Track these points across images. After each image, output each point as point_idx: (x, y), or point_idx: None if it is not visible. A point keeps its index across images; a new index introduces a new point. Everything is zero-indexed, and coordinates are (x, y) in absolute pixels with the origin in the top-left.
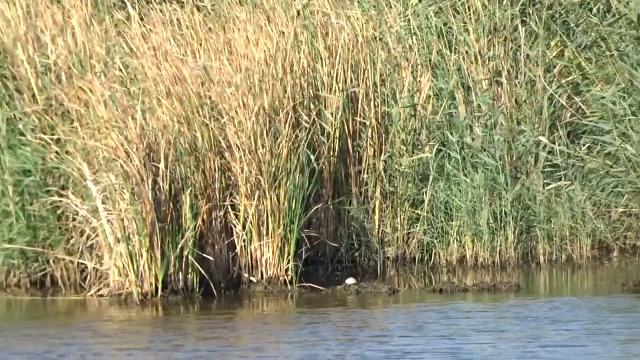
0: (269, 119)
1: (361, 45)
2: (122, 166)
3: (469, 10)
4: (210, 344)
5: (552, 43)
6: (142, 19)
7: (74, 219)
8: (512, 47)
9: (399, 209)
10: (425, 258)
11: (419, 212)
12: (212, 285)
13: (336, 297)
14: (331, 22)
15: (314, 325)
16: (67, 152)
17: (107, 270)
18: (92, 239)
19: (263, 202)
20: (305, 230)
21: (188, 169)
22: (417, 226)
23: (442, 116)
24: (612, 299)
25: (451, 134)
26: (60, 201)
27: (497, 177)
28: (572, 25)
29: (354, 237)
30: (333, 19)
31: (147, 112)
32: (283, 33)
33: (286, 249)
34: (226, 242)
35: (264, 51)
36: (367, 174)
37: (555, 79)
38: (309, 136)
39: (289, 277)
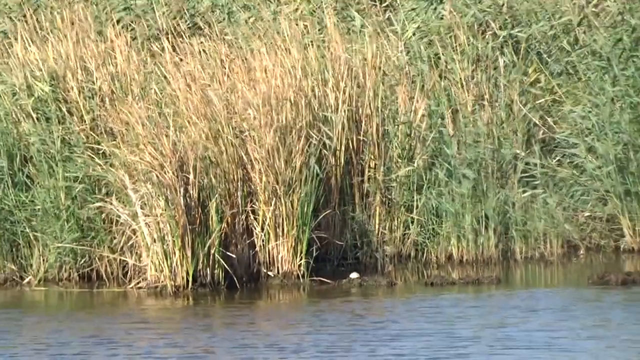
0: (284, 136)
1: (364, 74)
2: (157, 177)
3: (456, 42)
4: (233, 329)
5: (530, 70)
6: (174, 50)
7: (116, 222)
8: (493, 75)
9: (395, 213)
10: (419, 256)
11: (413, 216)
12: (235, 279)
13: (342, 289)
14: (338, 54)
15: (322, 312)
16: (110, 165)
17: (144, 266)
18: (132, 239)
19: (279, 208)
20: (315, 231)
21: (214, 179)
22: (411, 228)
23: (434, 133)
24: (579, 290)
25: (441, 149)
26: (105, 207)
27: (481, 186)
28: (545, 56)
29: (357, 238)
30: (340, 52)
31: (179, 130)
32: (295, 65)
33: (299, 248)
34: (247, 242)
35: (279, 78)
36: (368, 183)
37: (530, 102)
38: (318, 151)
39: (301, 272)
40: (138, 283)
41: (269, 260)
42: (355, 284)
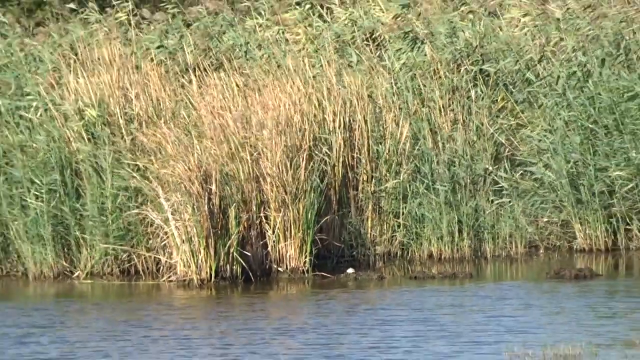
0: (291, 154)
1: (357, 101)
2: (185, 188)
3: (435, 76)
4: (248, 315)
5: (498, 98)
6: (200, 81)
7: (151, 226)
8: (466, 103)
9: (384, 219)
10: (404, 254)
11: (399, 221)
12: (250, 273)
13: (340, 282)
14: (335, 86)
15: (323, 301)
16: (146, 178)
17: (175, 262)
18: (164, 240)
19: (287, 214)
20: (318, 234)
21: (233, 190)
22: (398, 231)
23: (416, 152)
24: (539, 283)
25: (422, 165)
26: (142, 213)
27: (456, 196)
28: (511, 87)
29: (353, 239)
30: (336, 84)
31: (203, 149)
32: (300, 95)
33: (304, 248)
34: (260, 242)
35: (287, 106)
36: (362, 194)
37: (498, 125)
38: (320, 167)
39: (306, 268)
40: (169, 277)
41: (279, 258)
42: (351, 278)
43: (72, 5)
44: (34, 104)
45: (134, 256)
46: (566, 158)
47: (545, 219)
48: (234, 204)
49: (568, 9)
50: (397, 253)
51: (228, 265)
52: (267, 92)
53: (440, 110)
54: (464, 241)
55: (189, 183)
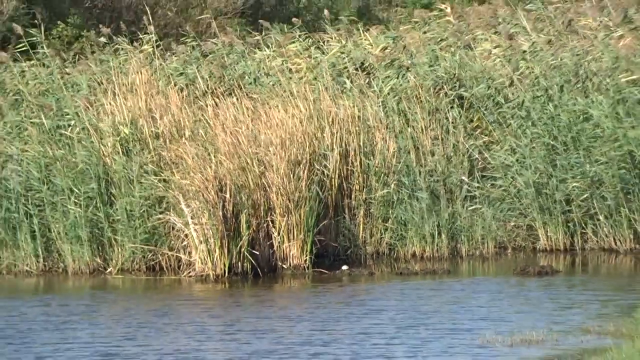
0: (293, 167)
1: (351, 122)
2: (203, 196)
3: (418, 99)
4: (257, 304)
5: (473, 119)
6: (216, 105)
7: (173, 228)
8: (445, 123)
9: (374, 223)
10: (391, 253)
11: (387, 224)
12: (258, 269)
13: (335, 277)
14: (331, 108)
15: (322, 294)
16: (169, 187)
17: (193, 260)
18: (184, 241)
19: (290, 219)
20: (317, 236)
21: (244, 198)
22: (385, 234)
23: (402, 165)
24: (507, 278)
25: (407, 176)
26: (165, 217)
27: (436, 203)
28: (483, 109)
29: (347, 240)
30: (332, 107)
31: (218, 162)
32: (302, 117)
33: (305, 248)
34: (267, 243)
35: (290, 125)
36: (355, 201)
37: (472, 142)
38: (319, 178)
39: (307, 265)
40: (189, 273)
41: (283, 257)
42: (345, 274)
43: (104, 39)
44: (72, 122)
45: (159, 255)
46: (530, 171)
47: (512, 223)
48: (245, 210)
49: (533, 42)
50: (385, 252)
51: (239, 263)
52: (273, 114)
53: (422, 130)
54: (442, 242)
55: (206, 192)
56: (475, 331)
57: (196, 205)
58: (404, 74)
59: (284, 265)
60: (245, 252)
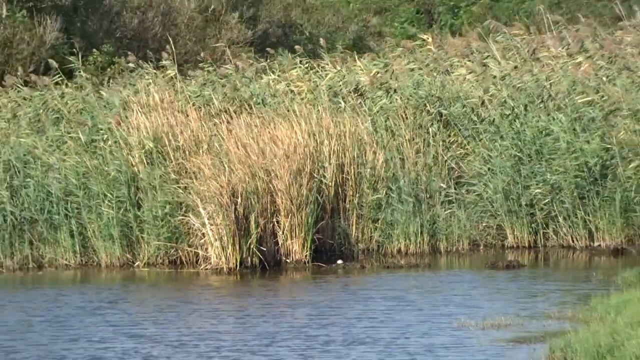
0: (296, 175)
1: (345, 137)
2: (218, 200)
3: (403, 116)
4: (265, 293)
5: (451, 134)
6: (229, 122)
7: (192, 228)
8: (426, 137)
9: (366, 224)
10: (380, 249)
11: (377, 225)
12: (265, 263)
13: (332, 270)
14: (329, 125)
15: (320, 284)
16: (189, 193)
17: (209, 255)
18: (202, 239)
19: (293, 219)
20: (316, 234)
21: (253, 202)
22: (375, 232)
23: (389, 174)
24: (480, 271)
25: (394, 183)
26: (185, 218)
27: (418, 207)
28: (460, 125)
29: (342, 238)
30: (329, 124)
31: (231, 171)
32: (303, 133)
33: (305, 245)
34: (273, 240)
35: (293, 140)
36: (349, 205)
37: (450, 154)
38: (318, 185)
39: (307, 259)
40: (205, 266)
41: (287, 252)
42: (340, 267)
43: (133, 65)
44: (105, 137)
45: (179, 250)
46: (499, 179)
47: (484, 224)
48: (254, 212)
49: (502, 69)
50: (374, 248)
51: (249, 257)
52: (278, 130)
53: (406, 143)
54: (424, 240)
55: (220, 197)
56: (452, 316)
57: (212, 208)
58: (392, 95)
59: (288, 260)
60: (254, 248)
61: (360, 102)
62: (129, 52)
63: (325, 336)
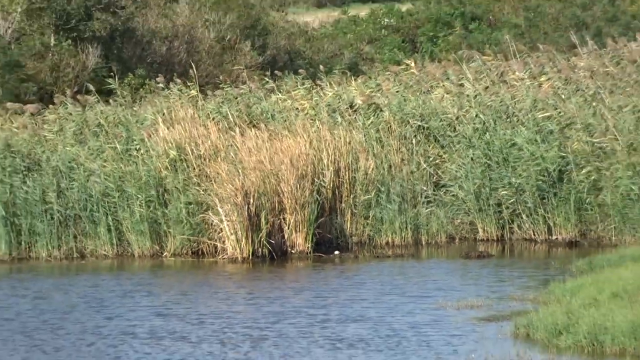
0: (300, 179)
1: (341, 147)
2: (233, 200)
3: (391, 130)
4: (273, 278)
5: (430, 146)
6: (242, 134)
7: (211, 224)
8: (410, 147)
9: (359, 220)
10: (371, 242)
11: (368, 221)
12: (274, 254)
13: (330, 260)
14: (327, 136)
15: (320, 271)
16: (208, 194)
17: (226, 247)
18: (219, 233)
19: (297, 216)
20: (316, 229)
21: (263, 202)
22: (367, 227)
23: (379, 178)
24: (455, 260)
25: (382, 186)
26: (205, 216)
27: (403, 206)
28: (440, 137)
29: (339, 232)
30: (328, 136)
31: (244, 176)
32: (306, 144)
33: (307, 238)
34: (280, 234)
35: (297, 150)
36: (344, 204)
37: (430, 161)
38: (318, 187)
39: (309, 251)
40: (223, 256)
41: (292, 244)
42: (337, 257)
43: (161, 86)
44: (138, 147)
45: (201, 243)
46: (472, 182)
47: (459, 220)
48: (264, 210)
49: (476, 88)
50: (366, 241)
51: (260, 249)
52: (284, 141)
53: (393, 152)
54: (408, 234)
55: (235, 197)
56: (432, 298)
57: (228, 207)
58: (381, 111)
59: (292, 251)
60: (264, 241)
61: (354, 117)
62: (158, 75)
63: (323, 315)
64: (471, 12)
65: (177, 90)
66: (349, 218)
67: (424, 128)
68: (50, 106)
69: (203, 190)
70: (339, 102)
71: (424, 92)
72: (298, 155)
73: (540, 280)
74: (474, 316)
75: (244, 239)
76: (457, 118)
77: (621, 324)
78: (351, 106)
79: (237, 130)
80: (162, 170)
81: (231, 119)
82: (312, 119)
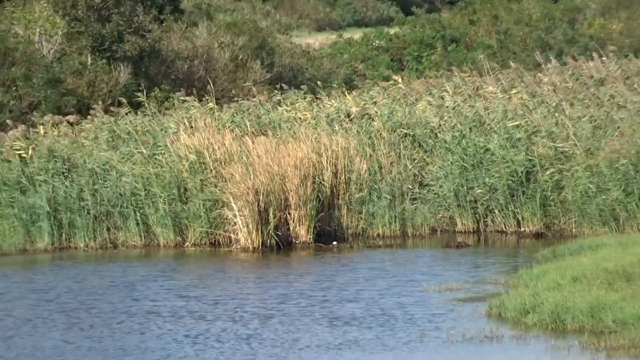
0: (303, 179)
1: (338, 151)
2: (245, 198)
3: (381, 136)
4: (278, 266)
5: (414, 151)
6: (253, 142)
7: (226, 218)
8: (398, 151)
9: (354, 215)
10: (365, 233)
11: (362, 215)
12: (280, 244)
13: (329, 249)
14: (327, 142)
15: (321, 259)
16: (223, 192)
17: (239, 238)
18: (234, 226)
19: (300, 211)
20: (317, 222)
21: (271, 199)
22: (361, 221)
23: (371, 178)
24: (437, 250)
25: (374, 185)
26: (221, 211)
27: (393, 202)
28: (423, 143)
29: (336, 225)
30: (327, 141)
31: (255, 177)
32: (308, 149)
33: (309, 230)
34: (286, 227)
35: (301, 154)
36: (342, 201)
37: (415, 164)
38: (318, 186)
39: (310, 241)
40: (236, 246)
41: (296, 236)
42: (335, 247)
43: (183, 98)
44: (162, 152)
45: (217, 235)
46: (452, 182)
47: (440, 215)
48: (272, 206)
49: (455, 101)
50: (360, 233)
51: (268, 240)
52: (289, 147)
53: (384, 156)
54: (396, 226)
55: (247, 195)
56: (417, 282)
57: (241, 203)
58: (373, 120)
59: (296, 241)
60: (272, 233)
61: (350, 126)
62: (181, 89)
63: (322, 297)
64: (450, 34)
65: (196, 104)
66: (345, 213)
67: (409, 135)
68: (87, 117)
69: (219, 189)
70: (337, 112)
71: (409, 104)
72: (301, 159)
73: (511, 267)
74: (453, 298)
75: (254, 231)
76: (438, 126)
77: (580, 304)
78: (347, 116)
79: (249, 137)
80: (183, 172)
81: (243, 128)
82: (313, 128)
